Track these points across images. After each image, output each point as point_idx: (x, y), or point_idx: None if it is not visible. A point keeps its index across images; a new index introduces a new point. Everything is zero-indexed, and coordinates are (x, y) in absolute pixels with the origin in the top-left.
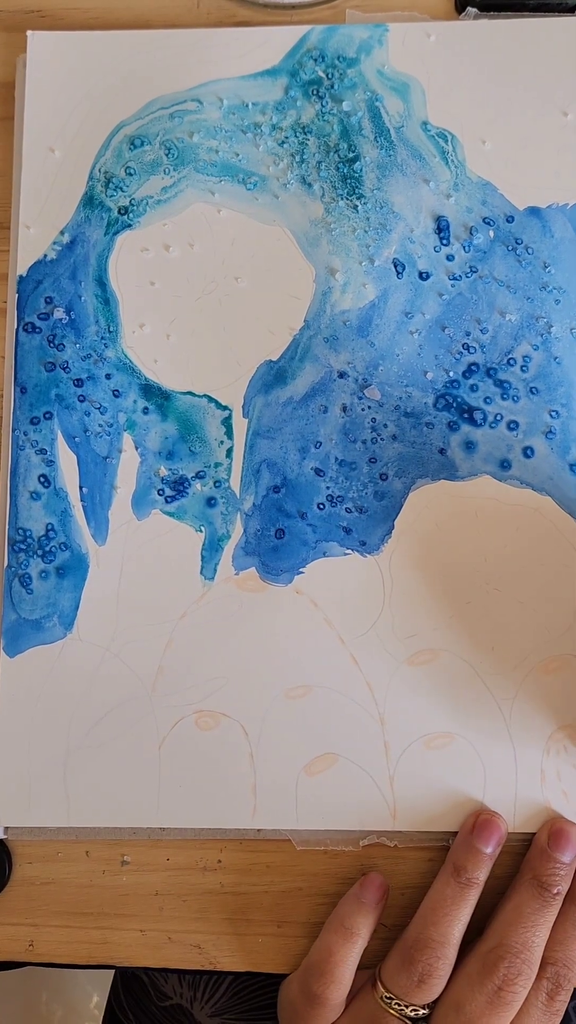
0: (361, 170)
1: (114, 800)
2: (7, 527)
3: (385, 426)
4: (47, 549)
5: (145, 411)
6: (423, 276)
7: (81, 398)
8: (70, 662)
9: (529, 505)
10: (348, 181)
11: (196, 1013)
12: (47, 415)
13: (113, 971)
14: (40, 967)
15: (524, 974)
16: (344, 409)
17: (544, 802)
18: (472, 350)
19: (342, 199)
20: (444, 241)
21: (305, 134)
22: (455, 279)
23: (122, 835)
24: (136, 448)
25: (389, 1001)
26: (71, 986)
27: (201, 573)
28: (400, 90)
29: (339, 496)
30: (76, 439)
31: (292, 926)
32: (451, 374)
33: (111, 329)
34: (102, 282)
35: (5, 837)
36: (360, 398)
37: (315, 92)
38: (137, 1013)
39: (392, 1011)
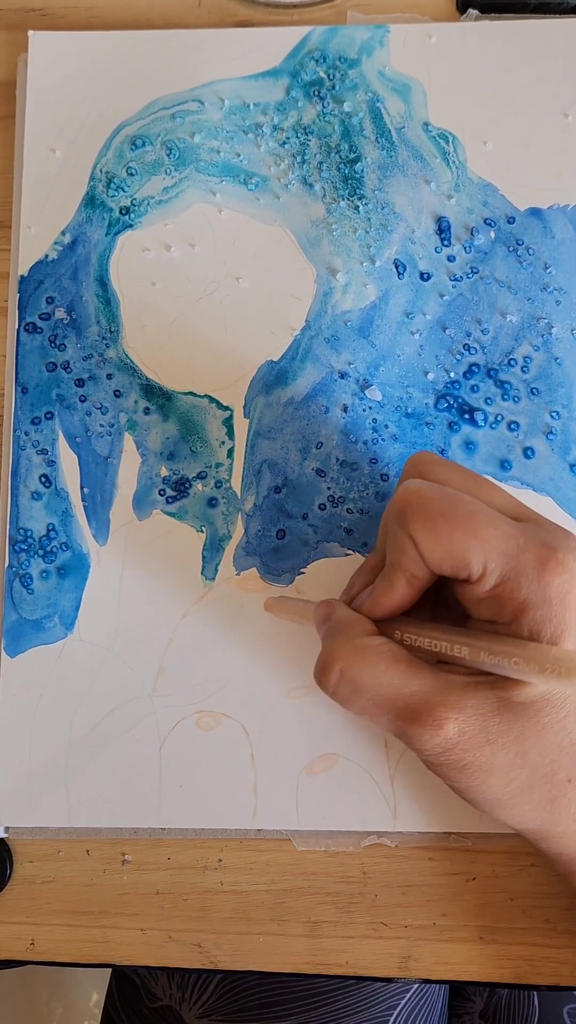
0: (362, 171)
1: (115, 801)
2: (8, 527)
3: (386, 426)
4: (48, 549)
5: (146, 411)
6: (424, 277)
7: (82, 398)
8: (71, 662)
9: (529, 506)
10: (349, 182)
11: (185, 1014)
12: (48, 415)
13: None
14: (40, 966)
15: None
16: (345, 409)
17: None
18: (473, 351)
19: (343, 199)
20: (445, 242)
21: (306, 135)
22: (456, 280)
23: (123, 834)
24: (137, 448)
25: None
26: (71, 985)
27: (202, 573)
28: (401, 91)
29: (340, 497)
30: (77, 439)
31: (292, 925)
32: (452, 374)
33: (112, 329)
34: (103, 282)
35: (6, 836)
36: (361, 398)
37: (316, 93)
38: (130, 1015)
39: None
